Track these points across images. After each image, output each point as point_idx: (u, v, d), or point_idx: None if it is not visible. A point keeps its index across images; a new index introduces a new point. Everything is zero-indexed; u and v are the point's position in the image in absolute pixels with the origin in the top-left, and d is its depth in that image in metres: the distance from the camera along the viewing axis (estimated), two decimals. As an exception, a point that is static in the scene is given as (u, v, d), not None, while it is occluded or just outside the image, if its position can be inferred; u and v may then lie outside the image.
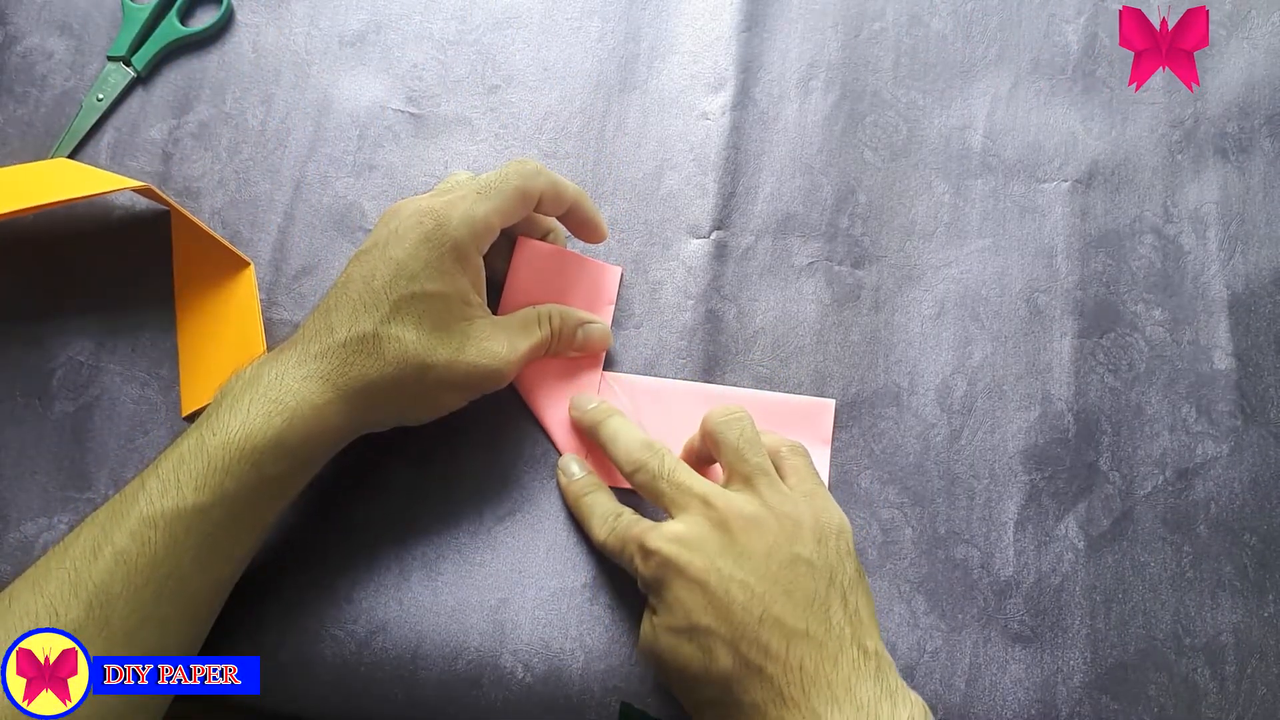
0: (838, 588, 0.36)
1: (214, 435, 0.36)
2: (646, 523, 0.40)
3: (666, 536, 0.38)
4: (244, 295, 0.46)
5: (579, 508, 0.43)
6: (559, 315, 0.44)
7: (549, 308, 0.44)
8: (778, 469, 0.40)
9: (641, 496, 0.41)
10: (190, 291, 0.47)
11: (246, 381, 0.38)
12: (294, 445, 0.37)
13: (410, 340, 0.39)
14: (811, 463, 0.41)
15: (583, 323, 0.45)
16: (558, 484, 0.44)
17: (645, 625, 0.38)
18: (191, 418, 0.45)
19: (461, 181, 0.43)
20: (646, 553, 0.38)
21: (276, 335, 0.47)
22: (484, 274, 0.42)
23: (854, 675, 0.34)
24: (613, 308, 0.48)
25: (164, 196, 0.47)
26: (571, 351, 0.45)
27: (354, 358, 0.38)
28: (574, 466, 0.44)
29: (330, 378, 0.38)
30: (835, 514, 0.38)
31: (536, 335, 0.43)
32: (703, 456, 0.43)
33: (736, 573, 0.36)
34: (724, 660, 0.35)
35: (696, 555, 0.37)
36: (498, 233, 0.41)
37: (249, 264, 0.46)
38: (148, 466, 0.37)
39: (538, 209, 0.43)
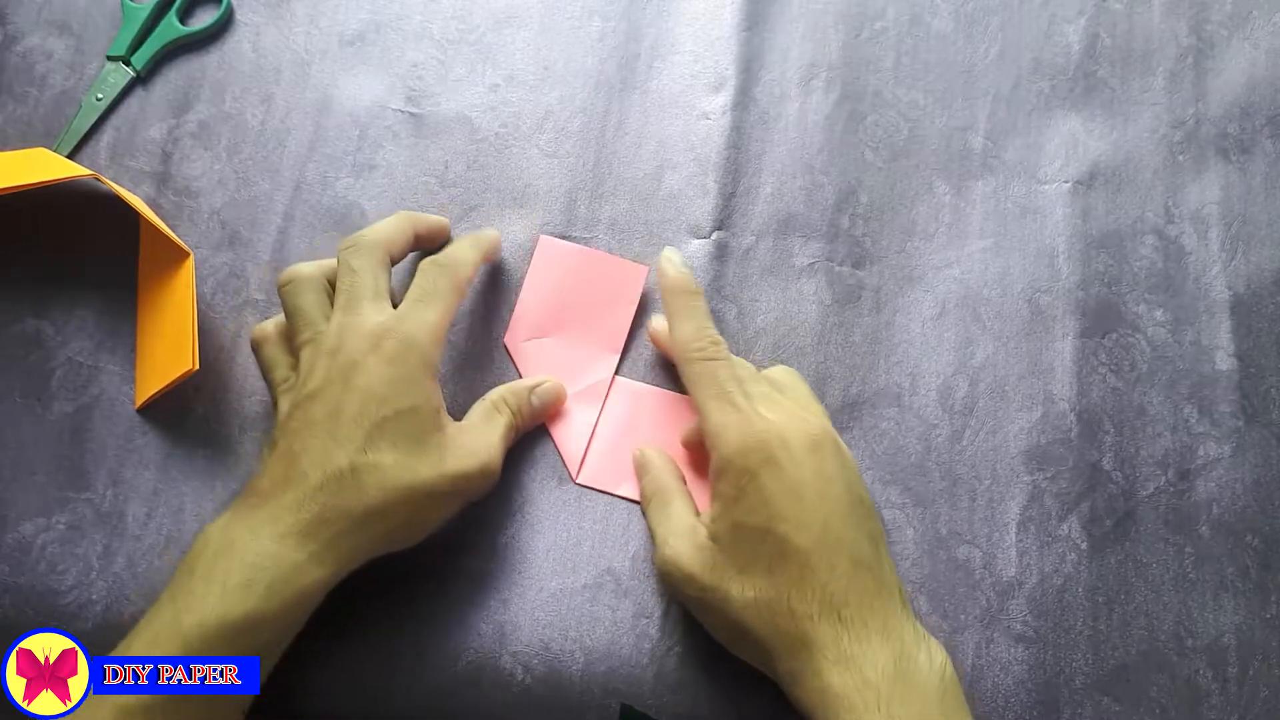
0: (884, 540, 0.39)
1: (189, 614, 0.35)
2: (745, 401, 0.39)
3: (777, 432, 0.38)
4: (182, 286, 0.45)
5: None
6: (510, 394, 0.43)
7: (496, 391, 0.44)
8: None
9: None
10: (145, 282, 0.47)
11: (218, 548, 0.36)
12: (274, 614, 0.36)
13: (389, 464, 0.37)
14: None
15: (531, 390, 0.44)
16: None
17: (704, 518, 0.39)
18: (143, 410, 0.45)
19: (358, 285, 0.41)
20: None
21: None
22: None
23: (897, 617, 0.37)
24: (635, 308, 0.47)
25: (113, 185, 0.46)
26: (535, 420, 0.45)
27: (332, 499, 0.37)
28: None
29: (309, 530, 0.36)
30: None
31: (501, 421, 0.42)
32: (697, 458, 0.42)
33: (825, 491, 0.37)
34: (792, 566, 0.36)
35: (792, 462, 0.37)
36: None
37: (189, 254, 0.45)
38: (121, 643, 0.35)
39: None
